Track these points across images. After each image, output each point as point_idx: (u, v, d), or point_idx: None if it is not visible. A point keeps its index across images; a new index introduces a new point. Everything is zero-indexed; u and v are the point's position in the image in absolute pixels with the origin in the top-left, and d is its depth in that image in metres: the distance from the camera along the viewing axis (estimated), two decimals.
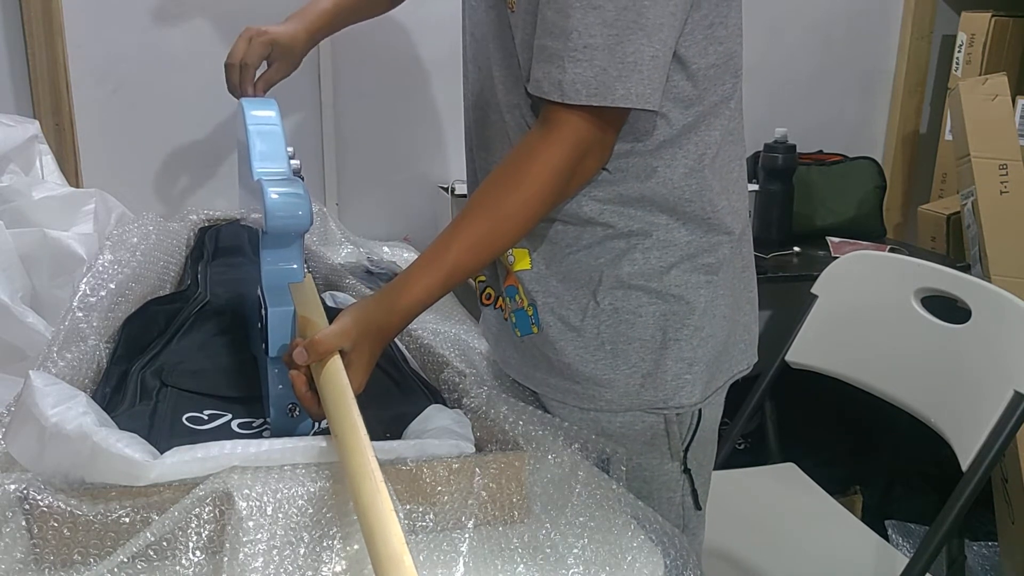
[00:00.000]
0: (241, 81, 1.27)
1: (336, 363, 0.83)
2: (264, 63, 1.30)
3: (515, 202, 0.89)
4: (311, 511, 0.75)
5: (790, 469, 1.63)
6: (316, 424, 0.92)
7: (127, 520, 0.73)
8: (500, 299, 1.07)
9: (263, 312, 0.91)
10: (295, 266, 0.95)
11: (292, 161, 1.01)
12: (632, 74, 0.85)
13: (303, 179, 0.99)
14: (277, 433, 0.91)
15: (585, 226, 0.97)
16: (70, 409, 0.76)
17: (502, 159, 0.95)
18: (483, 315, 1.14)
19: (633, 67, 0.85)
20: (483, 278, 1.10)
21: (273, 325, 0.90)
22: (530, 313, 1.02)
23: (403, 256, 1.71)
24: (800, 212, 2.01)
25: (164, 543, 0.72)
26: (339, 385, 0.81)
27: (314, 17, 1.30)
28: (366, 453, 0.72)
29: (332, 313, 0.92)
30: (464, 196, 1.71)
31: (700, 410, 1.02)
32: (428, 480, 0.80)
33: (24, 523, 0.72)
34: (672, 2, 0.85)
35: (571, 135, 0.88)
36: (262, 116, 1.05)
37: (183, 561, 0.72)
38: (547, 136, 0.89)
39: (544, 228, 0.98)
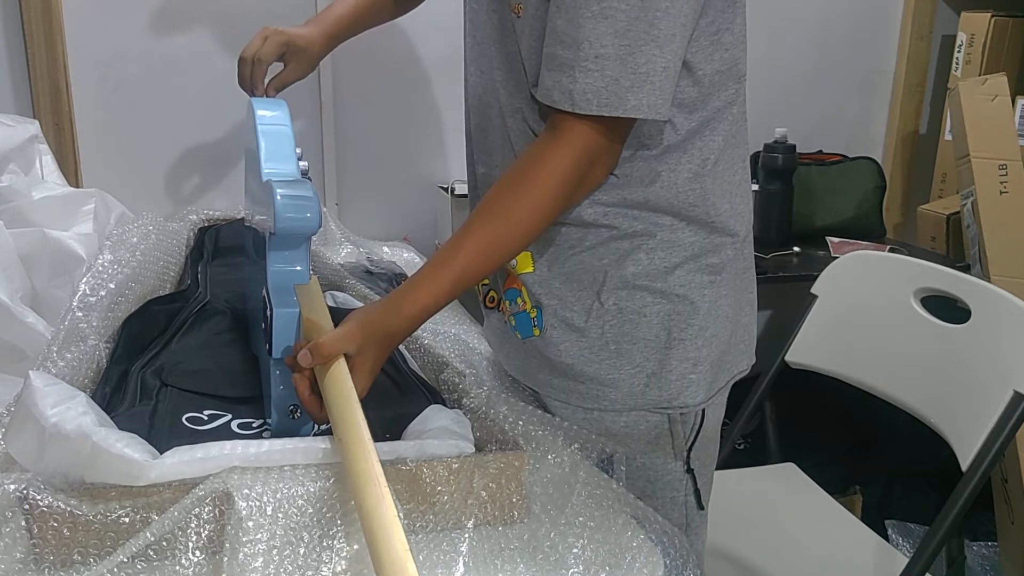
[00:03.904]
0: (252, 77, 1.27)
1: (341, 366, 0.83)
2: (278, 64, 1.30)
3: (523, 209, 0.89)
4: (311, 511, 0.75)
5: (790, 469, 1.63)
6: (316, 426, 0.92)
7: (127, 520, 0.73)
8: (502, 302, 1.07)
9: (268, 313, 0.91)
10: (301, 268, 0.95)
11: (300, 163, 1.01)
12: (644, 85, 0.85)
13: (311, 180, 0.98)
14: (278, 434, 0.91)
15: (589, 228, 0.97)
16: (70, 409, 0.76)
17: (509, 165, 0.95)
18: (486, 318, 1.14)
19: (645, 78, 0.84)
20: (486, 281, 1.10)
21: (278, 327, 0.90)
22: (533, 315, 1.02)
23: (403, 256, 1.71)
24: (800, 212, 2.01)
25: (164, 543, 0.72)
26: (344, 389, 0.81)
27: (331, 22, 1.31)
28: (371, 458, 0.72)
29: (333, 313, 0.92)
30: (464, 196, 1.71)
31: (703, 410, 1.02)
32: (428, 480, 0.80)
33: (24, 523, 0.72)
34: (683, 12, 0.85)
35: (580, 143, 0.88)
36: (271, 117, 1.05)
37: (183, 561, 0.72)
38: (556, 143, 0.89)
39: (547, 231, 0.98)
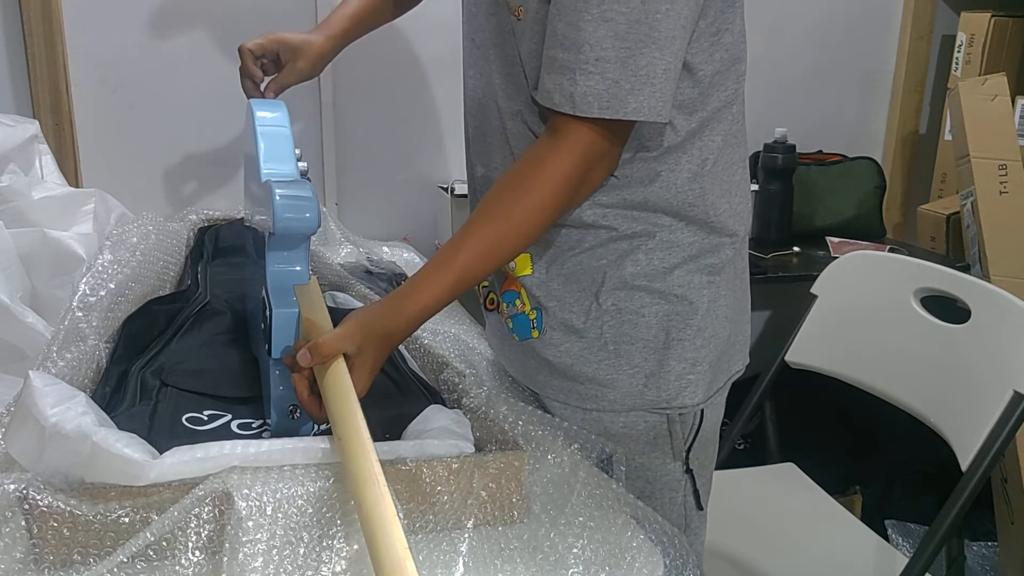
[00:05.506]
0: (244, 66, 1.26)
1: (340, 366, 0.83)
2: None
3: (523, 210, 0.89)
4: (311, 511, 0.75)
5: (790, 469, 1.63)
6: (316, 426, 0.92)
7: (127, 520, 0.73)
8: (501, 304, 1.07)
9: (267, 313, 0.91)
10: (300, 268, 0.95)
11: (299, 163, 1.01)
12: (644, 87, 0.85)
13: (310, 180, 0.99)
14: (277, 434, 0.91)
15: (588, 229, 0.97)
16: (69, 409, 0.77)
17: (510, 167, 0.95)
18: (487, 320, 1.14)
19: (646, 80, 0.84)
20: (486, 283, 1.10)
21: (277, 327, 0.90)
22: (532, 317, 1.02)
23: (403, 256, 1.71)
24: (800, 212, 2.01)
25: (164, 543, 0.72)
26: (343, 388, 0.81)
27: (332, 23, 1.31)
28: (370, 458, 0.72)
29: (332, 313, 0.92)
30: (464, 196, 1.71)
31: (702, 410, 1.02)
32: (428, 480, 0.80)
33: (24, 523, 0.72)
34: (683, 14, 0.85)
35: (580, 145, 0.88)
36: (270, 118, 1.05)
37: (183, 561, 0.72)
38: (556, 145, 0.89)
39: (546, 232, 0.98)
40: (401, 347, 1.16)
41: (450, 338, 1.25)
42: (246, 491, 0.73)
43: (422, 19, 1.74)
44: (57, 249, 1.32)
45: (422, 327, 0.94)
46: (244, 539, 0.71)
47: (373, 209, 1.94)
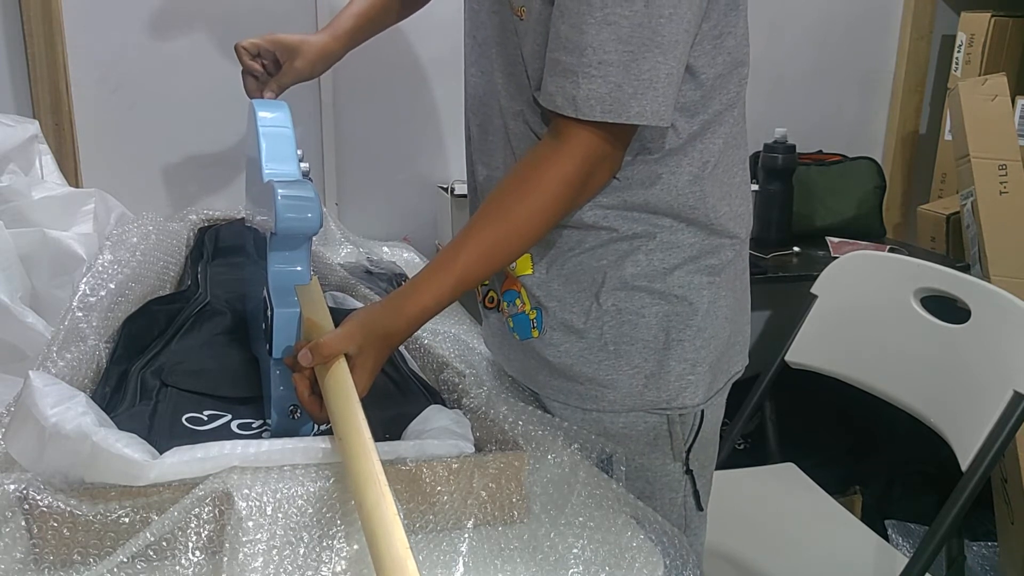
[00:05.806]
0: (242, 62, 1.26)
1: (341, 366, 0.83)
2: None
3: (525, 212, 0.89)
4: (311, 511, 0.75)
5: (790, 469, 1.63)
6: (316, 426, 0.92)
7: (127, 520, 0.73)
8: (501, 303, 1.07)
9: (268, 313, 0.91)
10: (301, 268, 0.95)
11: (301, 164, 1.01)
12: (647, 91, 0.84)
13: (312, 181, 0.99)
14: (278, 434, 0.91)
15: (589, 230, 0.97)
16: (69, 409, 0.77)
17: (511, 168, 0.95)
18: (485, 318, 1.14)
19: (649, 84, 0.84)
20: (486, 282, 1.10)
21: (278, 327, 0.90)
22: (532, 317, 1.02)
23: (403, 256, 1.71)
24: (800, 212, 2.01)
25: (164, 543, 0.72)
26: (344, 389, 0.81)
27: (337, 24, 1.31)
28: (371, 457, 0.72)
29: (333, 313, 0.92)
30: (464, 196, 1.72)
31: (702, 411, 1.02)
32: (428, 480, 0.80)
33: (24, 523, 0.72)
34: (686, 18, 0.84)
35: (582, 149, 0.88)
36: (272, 118, 1.05)
37: (183, 561, 0.72)
38: (558, 148, 0.88)
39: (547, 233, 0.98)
40: (401, 347, 1.16)
41: (450, 338, 1.25)
42: (246, 491, 0.73)
43: (422, 19, 1.74)
44: (57, 249, 1.32)
45: (422, 327, 0.94)
46: (244, 539, 0.71)
47: (373, 209, 1.94)
